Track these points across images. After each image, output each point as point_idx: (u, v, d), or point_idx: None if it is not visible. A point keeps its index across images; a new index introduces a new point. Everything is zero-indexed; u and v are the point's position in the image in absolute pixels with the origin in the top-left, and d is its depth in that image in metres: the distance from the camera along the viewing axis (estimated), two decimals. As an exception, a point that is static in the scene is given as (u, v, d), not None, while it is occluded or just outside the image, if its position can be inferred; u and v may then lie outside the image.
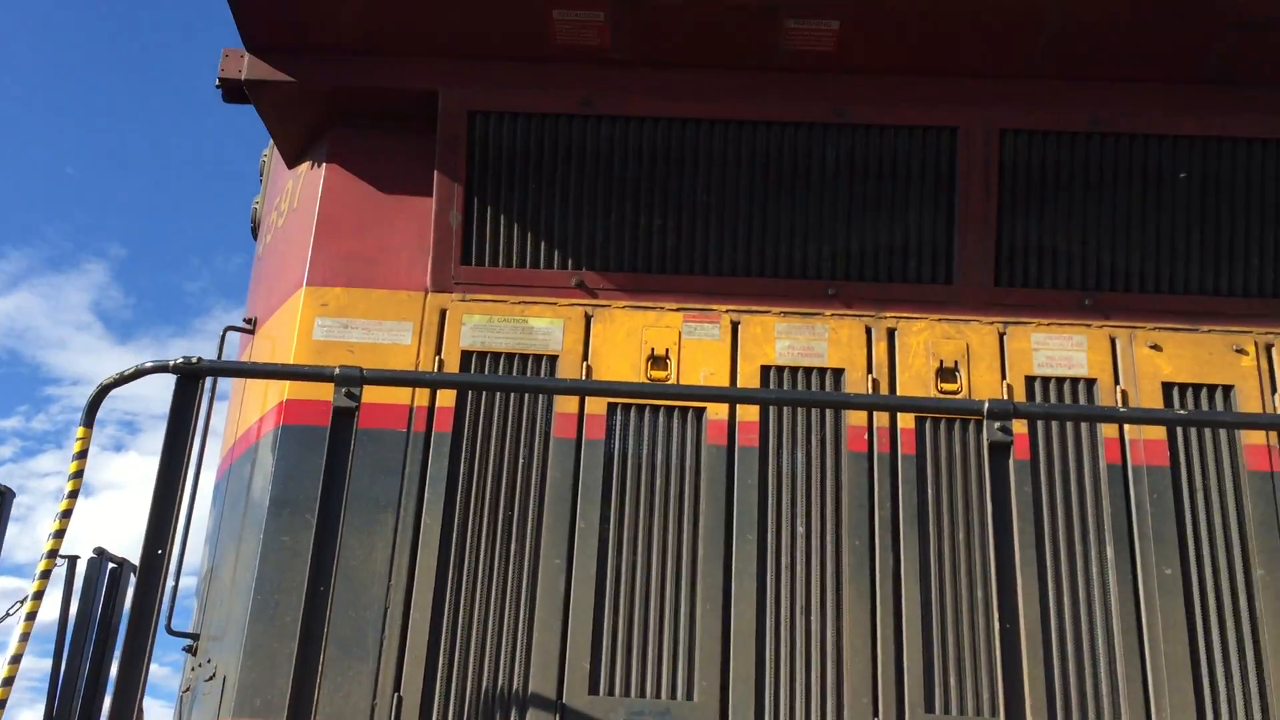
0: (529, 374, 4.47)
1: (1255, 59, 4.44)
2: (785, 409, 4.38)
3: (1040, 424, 4.32)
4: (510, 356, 4.50)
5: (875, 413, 4.33)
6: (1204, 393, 4.40)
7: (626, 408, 4.37)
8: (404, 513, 4.20)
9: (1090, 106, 4.58)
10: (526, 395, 4.37)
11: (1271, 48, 4.39)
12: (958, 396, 4.40)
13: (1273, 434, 4.25)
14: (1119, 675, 3.98)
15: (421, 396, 4.35)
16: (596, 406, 4.35)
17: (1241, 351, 4.43)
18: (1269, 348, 4.43)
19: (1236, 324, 4.46)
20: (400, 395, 4.33)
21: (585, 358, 4.50)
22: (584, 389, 4.24)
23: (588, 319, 4.56)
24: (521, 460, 4.32)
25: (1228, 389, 4.39)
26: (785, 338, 4.54)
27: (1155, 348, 4.44)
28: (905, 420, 4.35)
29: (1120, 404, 4.35)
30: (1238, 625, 4.05)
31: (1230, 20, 4.29)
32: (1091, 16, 4.32)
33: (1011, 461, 4.08)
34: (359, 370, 3.49)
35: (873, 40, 4.51)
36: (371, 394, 4.06)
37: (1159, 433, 4.29)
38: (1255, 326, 4.46)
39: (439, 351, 4.50)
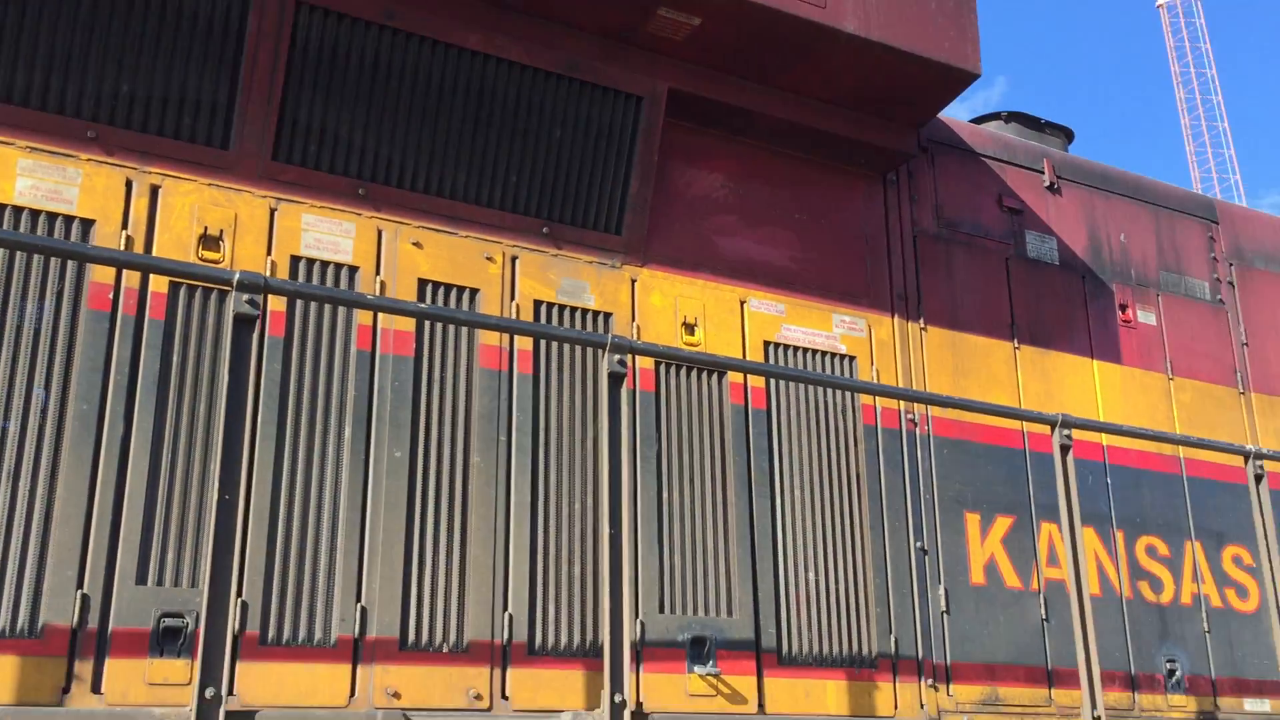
0: None
1: (538, -7, 4.82)
2: (20, 255, 3.93)
3: (299, 304, 4.35)
4: None
5: (125, 271, 4.05)
6: (454, 293, 4.74)
7: None
8: None
9: (389, 1, 4.65)
10: None
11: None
12: (219, 266, 4.27)
13: (505, 336, 4.70)
14: (339, 548, 4.18)
15: None
16: None
17: (490, 259, 4.83)
18: (514, 259, 4.88)
19: (489, 233, 4.85)
20: None
21: None
22: None
23: None
24: None
25: (474, 292, 4.77)
26: (29, 176, 4.05)
27: (416, 245, 4.68)
28: (158, 284, 4.12)
29: (378, 294, 4.52)
30: (450, 505, 4.45)
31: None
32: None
33: (258, 337, 4.08)
34: None
35: None
36: None
37: (408, 325, 4.53)
38: (504, 238, 4.88)
39: None
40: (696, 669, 4.68)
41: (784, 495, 5.13)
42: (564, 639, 4.49)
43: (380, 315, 4.48)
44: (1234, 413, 6.59)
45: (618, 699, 3.96)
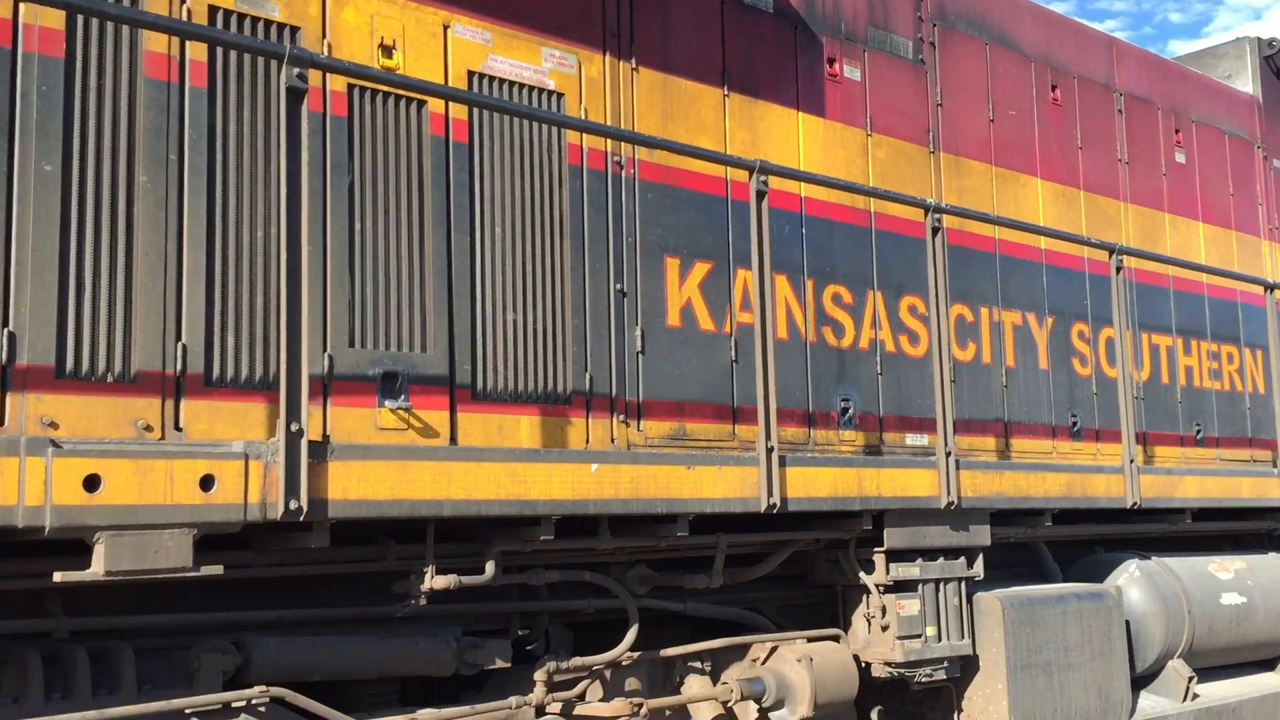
0: None
1: None
2: None
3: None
4: None
5: None
6: (113, -10, 4.20)
7: None
8: None
9: None
10: None
11: None
12: None
13: (175, 43, 4.24)
14: (-23, 269, 3.78)
15: None
16: None
17: (157, -46, 4.29)
18: (186, -43, 4.36)
19: (154, -77, 4.30)
20: None
21: None
22: None
23: None
24: None
25: (137, -10, 4.25)
26: None
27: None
28: None
29: (15, -18, 3.95)
30: (114, 226, 4.08)
31: None
32: None
33: None
34: None
35: None
36: None
37: (57, 21, 4.01)
38: (173, -69, 4.34)
39: None
40: (387, 403, 4.63)
41: (484, 233, 5.02)
42: (245, 371, 4.30)
43: (21, 6, 3.93)
44: (924, 170, 6.92)
45: (294, 428, 3.87)
